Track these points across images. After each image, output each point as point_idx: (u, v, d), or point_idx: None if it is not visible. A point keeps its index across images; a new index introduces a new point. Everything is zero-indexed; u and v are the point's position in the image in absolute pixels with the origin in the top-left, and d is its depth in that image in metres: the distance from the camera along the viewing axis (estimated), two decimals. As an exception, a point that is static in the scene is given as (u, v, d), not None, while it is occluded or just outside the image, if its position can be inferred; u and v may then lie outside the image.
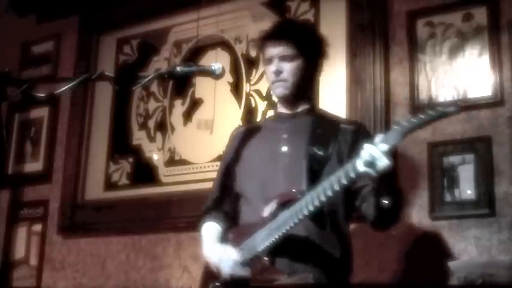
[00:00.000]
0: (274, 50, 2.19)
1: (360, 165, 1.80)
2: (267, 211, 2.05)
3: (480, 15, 2.69)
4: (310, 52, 2.22)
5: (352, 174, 1.84)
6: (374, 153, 1.78)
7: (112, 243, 3.50)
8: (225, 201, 2.32)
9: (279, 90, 2.22)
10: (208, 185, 3.25)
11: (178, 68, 1.87)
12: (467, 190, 2.58)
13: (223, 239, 2.21)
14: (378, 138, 1.81)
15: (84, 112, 3.76)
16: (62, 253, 3.66)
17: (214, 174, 3.25)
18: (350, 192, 2.10)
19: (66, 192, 3.68)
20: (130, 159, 3.60)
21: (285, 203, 2.01)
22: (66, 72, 3.86)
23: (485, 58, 2.65)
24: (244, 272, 2.05)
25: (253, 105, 3.25)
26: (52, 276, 3.66)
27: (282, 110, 2.29)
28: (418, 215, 2.65)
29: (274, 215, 2.02)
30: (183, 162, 3.42)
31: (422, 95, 2.75)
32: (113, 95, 3.73)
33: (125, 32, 3.81)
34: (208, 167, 3.31)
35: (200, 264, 3.17)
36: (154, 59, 3.66)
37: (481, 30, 2.68)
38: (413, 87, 2.77)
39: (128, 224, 3.43)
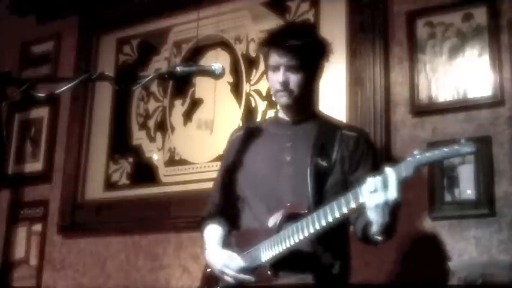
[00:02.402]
0: (281, 60, 2.14)
1: (365, 195, 1.79)
2: (272, 221, 2.04)
3: (480, 15, 2.69)
4: (315, 62, 2.20)
5: (360, 200, 1.82)
6: (381, 185, 1.76)
7: (112, 243, 3.50)
8: (227, 205, 2.31)
9: (284, 100, 2.19)
10: (208, 185, 3.25)
11: (178, 68, 1.87)
12: (467, 190, 2.58)
13: (226, 242, 2.21)
14: (388, 169, 1.78)
15: (84, 112, 3.76)
16: (62, 253, 3.67)
17: (214, 174, 3.26)
18: None
19: (66, 192, 3.68)
20: (130, 159, 3.60)
21: (291, 216, 2.00)
22: (66, 72, 3.86)
23: (485, 58, 2.65)
24: (248, 279, 2.05)
25: (253, 105, 3.26)
26: (52, 276, 3.66)
27: (285, 116, 2.27)
28: (418, 215, 2.65)
29: (279, 226, 2.02)
30: (183, 162, 3.42)
31: (422, 95, 2.75)
32: (113, 95, 3.73)
33: (125, 32, 3.81)
34: (208, 167, 3.31)
35: (200, 264, 3.18)
36: (154, 59, 3.66)
37: (481, 30, 2.68)
38: (413, 87, 2.77)
39: (127, 224, 3.43)
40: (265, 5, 3.33)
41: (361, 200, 1.81)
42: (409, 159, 1.78)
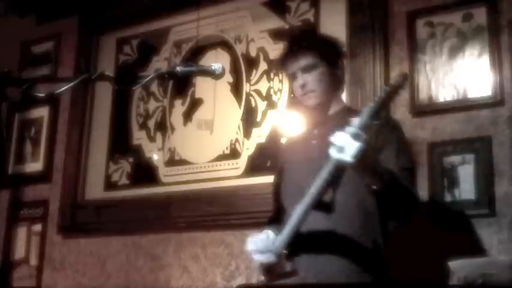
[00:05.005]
0: (295, 65, 2.25)
1: (333, 152, 1.86)
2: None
3: (480, 15, 2.69)
4: (329, 56, 2.28)
5: (334, 163, 1.90)
6: (344, 139, 1.83)
7: (112, 243, 3.50)
8: (281, 212, 2.37)
9: (310, 102, 2.27)
10: (208, 185, 3.29)
11: (178, 68, 1.86)
12: (467, 190, 2.58)
13: None
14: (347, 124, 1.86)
15: (84, 112, 3.77)
16: (62, 253, 3.67)
17: (214, 174, 3.29)
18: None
19: (66, 192, 3.68)
20: (131, 159, 3.60)
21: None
22: (66, 72, 3.86)
23: (485, 58, 2.65)
24: (270, 251, 2.10)
25: (253, 105, 3.25)
26: (52, 276, 3.66)
27: (314, 117, 2.35)
28: (418, 214, 2.64)
29: None
30: (183, 162, 3.42)
31: (423, 95, 2.75)
32: (113, 95, 3.73)
33: (125, 32, 3.81)
34: (208, 167, 3.31)
35: (200, 264, 3.18)
36: (154, 59, 3.66)
37: (481, 30, 2.68)
38: (413, 87, 2.77)
39: (128, 224, 3.43)
40: (265, 5, 3.33)
41: (334, 157, 1.88)
42: (364, 109, 1.89)
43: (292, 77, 2.29)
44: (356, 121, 1.87)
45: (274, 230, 2.26)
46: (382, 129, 2.16)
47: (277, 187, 2.41)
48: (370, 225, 2.13)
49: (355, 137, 1.83)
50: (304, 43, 2.28)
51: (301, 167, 2.25)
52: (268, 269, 2.17)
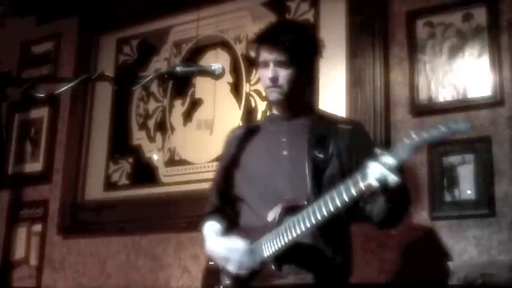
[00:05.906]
0: (270, 56, 2.16)
1: (371, 180, 1.77)
2: (271, 216, 2.03)
3: (480, 15, 2.69)
4: (306, 58, 2.21)
5: (362, 187, 1.81)
6: (383, 170, 1.75)
7: (112, 243, 3.50)
8: (224, 205, 2.30)
9: (274, 96, 2.19)
10: (208, 185, 3.28)
11: (178, 68, 1.87)
12: (467, 190, 2.58)
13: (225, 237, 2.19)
14: (383, 153, 1.77)
15: (84, 112, 3.77)
16: (62, 253, 3.67)
17: (214, 174, 3.29)
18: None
19: (66, 192, 3.68)
20: (130, 159, 3.60)
21: (290, 209, 1.99)
22: (66, 72, 3.87)
23: (485, 58, 2.65)
24: (252, 264, 2.03)
25: (253, 105, 3.26)
26: (52, 276, 3.66)
27: (279, 112, 2.27)
28: (418, 215, 2.65)
29: (279, 220, 2.00)
30: (183, 162, 3.42)
31: (422, 95, 2.75)
32: (113, 95, 3.73)
33: (125, 32, 3.81)
34: (208, 167, 3.31)
35: (200, 264, 3.18)
36: (154, 59, 3.66)
37: (480, 30, 2.68)
38: (413, 88, 2.77)
39: (128, 224, 3.43)
40: (265, 5, 3.33)
41: (368, 181, 1.78)
42: (406, 141, 1.76)
43: (263, 65, 2.19)
44: (388, 152, 1.78)
45: (220, 223, 2.20)
46: (354, 139, 2.15)
47: (227, 175, 2.29)
48: (337, 235, 2.09)
49: (395, 171, 1.76)
50: (286, 37, 2.16)
51: (267, 161, 2.18)
52: (245, 278, 2.07)
